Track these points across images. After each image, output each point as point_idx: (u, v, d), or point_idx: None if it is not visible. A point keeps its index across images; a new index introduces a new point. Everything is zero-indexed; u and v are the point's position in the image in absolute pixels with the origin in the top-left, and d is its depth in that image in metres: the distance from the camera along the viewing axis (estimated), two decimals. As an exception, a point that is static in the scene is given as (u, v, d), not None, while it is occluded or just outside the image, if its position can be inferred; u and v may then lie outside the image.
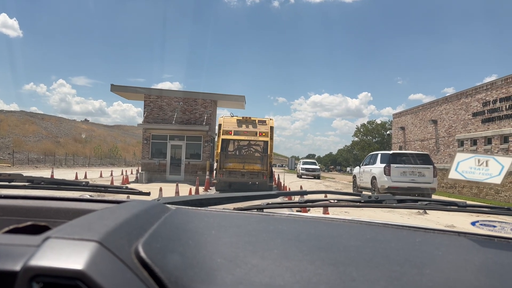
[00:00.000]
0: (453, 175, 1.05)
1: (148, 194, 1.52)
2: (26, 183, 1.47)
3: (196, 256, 0.70)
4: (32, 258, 0.52)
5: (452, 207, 1.28)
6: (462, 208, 1.26)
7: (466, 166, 1.03)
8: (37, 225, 0.78)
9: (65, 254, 0.54)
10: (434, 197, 15.24)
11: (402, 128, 30.66)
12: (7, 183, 1.46)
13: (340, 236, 0.92)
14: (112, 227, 0.67)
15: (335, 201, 1.36)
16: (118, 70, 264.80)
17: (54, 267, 0.51)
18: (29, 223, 0.79)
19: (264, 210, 1.36)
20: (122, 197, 1.60)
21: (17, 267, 0.51)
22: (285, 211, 1.38)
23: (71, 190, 1.50)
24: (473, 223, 1.17)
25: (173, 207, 1.08)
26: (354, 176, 18.10)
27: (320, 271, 0.69)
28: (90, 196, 1.40)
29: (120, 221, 0.72)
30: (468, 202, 1.28)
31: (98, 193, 1.51)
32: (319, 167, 39.65)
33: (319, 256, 0.76)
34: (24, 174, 1.54)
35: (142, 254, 0.63)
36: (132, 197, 1.58)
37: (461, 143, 22.27)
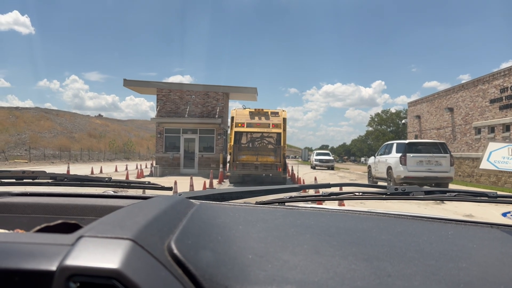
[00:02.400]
0: (484, 165, 1.02)
1: (170, 189, 1.53)
2: (50, 180, 1.48)
3: (227, 252, 0.69)
4: (67, 257, 0.52)
5: (483, 198, 1.26)
6: (493, 198, 1.23)
7: (498, 156, 1.00)
8: (67, 223, 0.79)
9: (100, 253, 0.54)
10: (451, 186, 15.06)
11: (418, 117, 30.28)
12: (31, 181, 1.47)
13: (370, 230, 0.91)
14: (143, 224, 0.66)
15: (360, 193, 1.34)
16: (130, 65, 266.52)
17: (90, 266, 0.51)
18: (59, 221, 0.79)
19: (286, 203, 1.35)
20: (145, 192, 1.60)
21: (53, 267, 0.51)
22: (305, 204, 1.36)
23: (94, 186, 1.51)
24: (504, 214, 1.14)
25: (197, 202, 1.08)
26: (369, 167, 17.96)
27: (354, 266, 0.68)
28: (114, 192, 1.41)
29: (150, 217, 0.71)
30: (499, 193, 1.25)
31: (121, 189, 1.52)
32: (333, 158, 39.49)
33: (351, 251, 0.75)
34: (42, 170, 1.56)
35: (176, 251, 0.62)
36: (154, 192, 1.59)
37: (478, 130, 21.91)
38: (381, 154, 16.36)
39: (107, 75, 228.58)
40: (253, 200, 1.38)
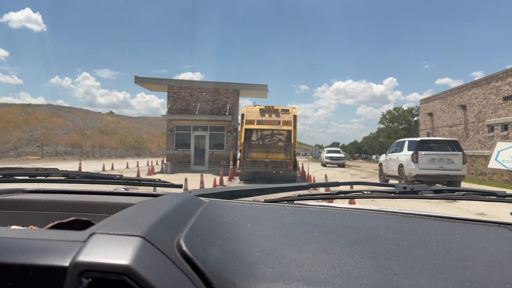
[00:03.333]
0: (493, 164, 1.02)
1: (180, 186, 1.55)
2: (62, 177, 1.51)
3: (235, 249, 0.71)
4: (79, 253, 0.54)
5: (491, 197, 1.25)
6: (502, 198, 1.23)
7: (506, 155, 1.00)
8: (80, 220, 0.81)
9: (111, 250, 0.55)
10: (464, 184, 14.90)
11: (430, 114, 30.00)
12: (44, 178, 1.51)
13: (377, 228, 0.91)
14: (154, 221, 0.68)
15: (368, 192, 1.35)
16: (141, 62, 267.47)
17: (101, 262, 0.53)
18: (72, 218, 0.82)
19: (295, 201, 1.37)
20: (155, 190, 1.63)
21: (66, 263, 0.53)
22: (314, 202, 1.37)
23: (105, 184, 1.53)
24: None
25: (206, 199, 1.10)
26: (380, 164, 17.86)
27: (360, 264, 0.69)
28: (125, 189, 1.44)
29: (160, 215, 0.73)
30: (508, 192, 1.24)
31: (132, 186, 1.54)
32: (343, 155, 39.40)
33: (357, 249, 0.76)
34: (54, 167, 1.59)
35: (184, 248, 0.64)
36: (163, 189, 1.61)
37: (491, 128, 21.63)
38: (392, 152, 16.25)
39: (119, 72, 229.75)
40: (262, 198, 1.40)
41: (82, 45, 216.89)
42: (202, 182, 12.84)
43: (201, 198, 1.11)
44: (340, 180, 1.60)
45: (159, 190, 1.63)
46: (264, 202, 1.30)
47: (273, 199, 1.38)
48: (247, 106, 18.00)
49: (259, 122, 17.26)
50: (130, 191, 1.38)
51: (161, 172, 20.85)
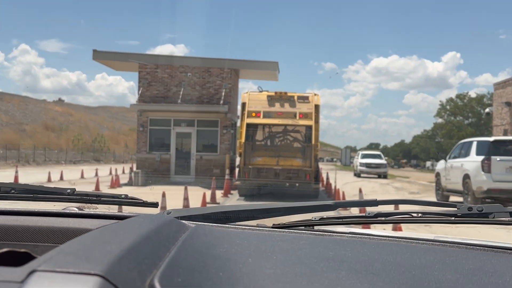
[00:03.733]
0: None
1: (155, 205, 1.56)
2: None
3: None
4: None
5: None
6: None
7: None
8: (15, 252, 0.82)
9: None
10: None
11: (508, 104, 29.92)
12: None
13: (430, 266, 0.92)
14: (118, 254, 0.69)
15: (419, 214, 1.35)
16: (103, 31, 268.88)
17: None
18: (4, 249, 0.83)
19: (315, 227, 1.37)
20: (121, 209, 1.64)
21: None
22: (342, 228, 1.38)
23: (51, 201, 1.55)
24: None
25: (191, 223, 1.11)
26: (438, 174, 17.85)
27: None
28: (79, 209, 1.45)
29: (126, 245, 0.74)
30: None
31: (89, 205, 1.56)
32: (385, 162, 39.42)
33: None
34: None
35: None
36: (133, 209, 1.62)
37: None
38: (454, 157, 16.25)
39: (71, 44, 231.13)
40: (269, 221, 1.41)
41: (21, 8, 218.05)
42: (186, 199, 12.88)
43: (184, 221, 1.12)
44: (380, 197, 1.61)
45: (126, 210, 1.65)
46: (272, 227, 1.31)
47: (285, 224, 1.39)
48: (250, 92, 18.02)
49: (266, 115, 17.26)
50: (86, 211, 1.39)
51: (130, 183, 20.93)
